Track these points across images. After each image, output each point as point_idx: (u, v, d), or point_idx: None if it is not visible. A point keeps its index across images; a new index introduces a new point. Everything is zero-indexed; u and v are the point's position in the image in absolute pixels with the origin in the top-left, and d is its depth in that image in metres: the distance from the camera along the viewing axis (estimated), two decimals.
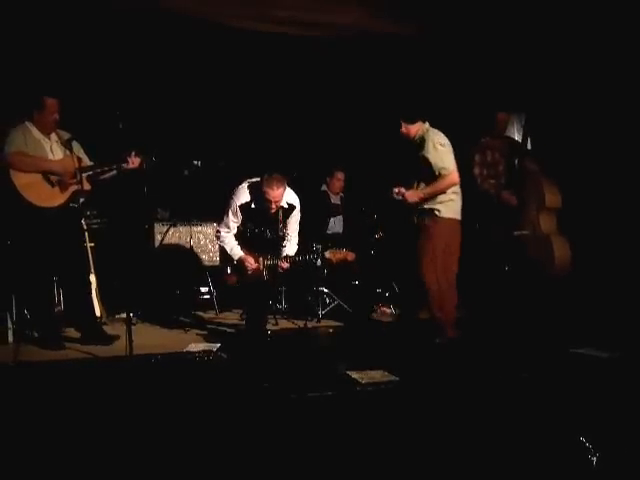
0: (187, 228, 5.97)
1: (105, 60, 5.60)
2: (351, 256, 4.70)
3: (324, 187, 6.31)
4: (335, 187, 6.32)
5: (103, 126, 4.49)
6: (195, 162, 5.55)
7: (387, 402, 3.06)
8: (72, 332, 4.61)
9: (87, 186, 4.45)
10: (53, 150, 4.41)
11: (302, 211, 4.79)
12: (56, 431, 2.58)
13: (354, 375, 3.38)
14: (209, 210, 5.75)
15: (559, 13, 5.20)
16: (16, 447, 2.42)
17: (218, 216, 4.74)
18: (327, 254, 4.71)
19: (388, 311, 5.94)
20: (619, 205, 5.22)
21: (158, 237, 5.94)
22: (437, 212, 4.40)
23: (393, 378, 3.35)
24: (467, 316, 4.69)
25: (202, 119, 6.23)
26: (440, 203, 4.40)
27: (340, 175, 6.31)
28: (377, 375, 3.39)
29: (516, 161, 5.29)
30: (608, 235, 5.18)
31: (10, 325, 4.50)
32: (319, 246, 5.73)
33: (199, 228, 6.02)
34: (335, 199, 6.36)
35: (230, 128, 6.37)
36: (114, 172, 4.60)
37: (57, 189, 4.34)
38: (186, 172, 5.57)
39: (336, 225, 6.31)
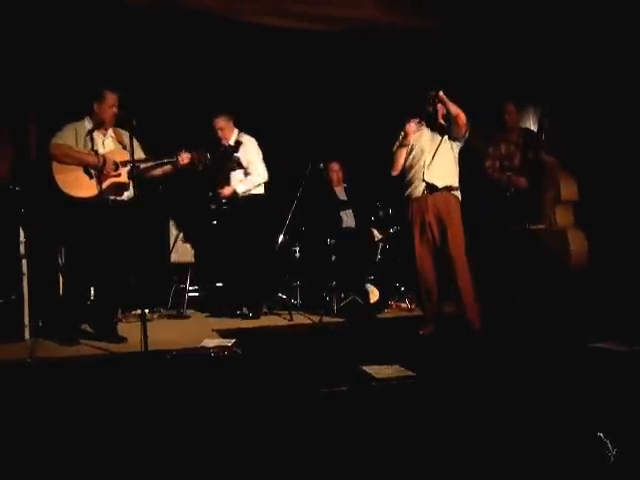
0: None
1: (121, 58, 5.60)
2: None
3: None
4: (333, 179, 6.27)
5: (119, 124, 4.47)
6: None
7: (402, 397, 3.04)
8: (87, 327, 4.63)
9: (124, 179, 4.37)
10: (105, 145, 4.40)
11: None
12: (72, 427, 2.59)
13: (369, 370, 3.36)
14: None
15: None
16: (32, 442, 2.43)
17: None
18: None
19: (403, 305, 5.92)
20: (636, 198, 5.15)
21: (174, 232, 5.95)
22: (459, 197, 4.47)
23: (409, 373, 3.32)
24: (484, 310, 4.65)
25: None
26: (457, 189, 4.46)
27: (335, 166, 6.24)
28: (392, 370, 3.37)
29: (531, 153, 5.24)
30: (625, 228, 5.12)
31: (27, 322, 4.54)
32: (333, 241, 5.76)
33: None
34: (340, 192, 6.31)
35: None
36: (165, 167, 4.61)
37: (94, 181, 4.28)
38: (200, 167, 5.55)
39: (348, 219, 6.27)
